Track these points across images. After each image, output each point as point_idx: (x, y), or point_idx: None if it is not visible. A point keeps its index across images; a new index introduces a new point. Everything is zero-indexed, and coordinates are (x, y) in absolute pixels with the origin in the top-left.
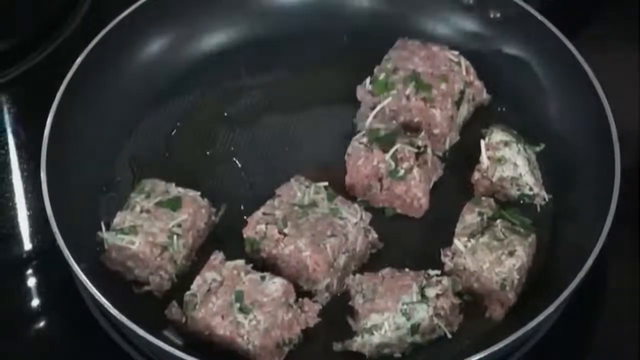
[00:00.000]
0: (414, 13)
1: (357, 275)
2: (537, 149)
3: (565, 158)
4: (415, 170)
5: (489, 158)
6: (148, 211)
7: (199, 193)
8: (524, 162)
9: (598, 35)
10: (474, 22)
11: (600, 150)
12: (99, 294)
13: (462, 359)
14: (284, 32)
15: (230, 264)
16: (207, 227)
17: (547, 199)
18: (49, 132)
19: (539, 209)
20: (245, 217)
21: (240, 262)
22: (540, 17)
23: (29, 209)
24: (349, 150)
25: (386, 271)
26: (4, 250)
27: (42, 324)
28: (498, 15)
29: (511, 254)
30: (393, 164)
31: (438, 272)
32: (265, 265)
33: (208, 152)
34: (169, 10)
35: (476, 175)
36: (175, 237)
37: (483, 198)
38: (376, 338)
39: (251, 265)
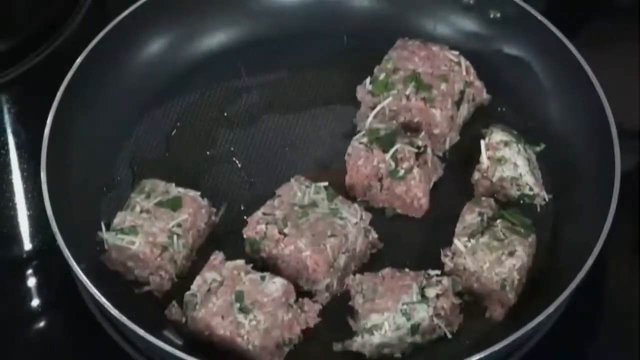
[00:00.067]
0: (414, 13)
1: (357, 275)
2: (537, 149)
3: (565, 158)
4: (415, 170)
5: (489, 158)
6: (148, 211)
7: (199, 193)
8: (524, 162)
9: (598, 35)
10: (474, 22)
11: (600, 150)
12: (99, 294)
13: (462, 359)
14: (284, 32)
15: (230, 264)
16: (207, 227)
17: (547, 199)
18: (49, 132)
19: (539, 209)
20: (245, 217)
21: (240, 262)
22: (540, 17)
23: (29, 209)
24: (349, 150)
25: (386, 271)
26: (4, 250)
27: (42, 324)
28: (498, 15)
29: (511, 254)
30: (393, 164)
31: (438, 272)
32: (265, 265)
33: (208, 152)
34: (169, 10)
35: (476, 175)
36: (175, 237)
37: (483, 198)
38: (376, 338)
39: (251, 265)
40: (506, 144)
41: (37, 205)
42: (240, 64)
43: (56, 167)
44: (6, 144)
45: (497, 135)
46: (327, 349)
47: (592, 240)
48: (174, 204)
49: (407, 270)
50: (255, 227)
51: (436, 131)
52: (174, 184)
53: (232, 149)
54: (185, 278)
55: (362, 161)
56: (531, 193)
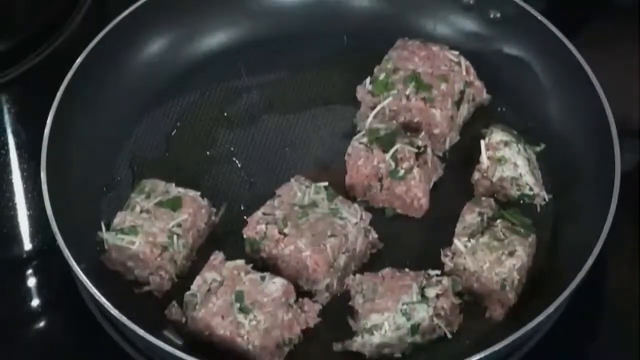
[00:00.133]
0: (414, 13)
1: (357, 275)
2: (537, 149)
3: (565, 158)
4: (415, 170)
5: (489, 158)
6: (148, 211)
7: (199, 193)
8: (524, 162)
9: (598, 35)
10: (474, 22)
11: (600, 150)
12: (99, 294)
13: (462, 359)
14: (284, 32)
15: (230, 264)
16: (207, 227)
17: (547, 199)
18: (49, 132)
19: (539, 209)
20: (245, 217)
21: (240, 262)
22: (540, 17)
23: (29, 209)
24: (349, 150)
25: (386, 271)
26: (4, 250)
27: (42, 324)
28: (498, 15)
29: (511, 254)
30: (393, 164)
31: (438, 272)
32: (265, 265)
33: (208, 152)
34: (169, 10)
35: (476, 175)
36: (175, 237)
37: (483, 198)
38: (376, 338)
39: (251, 265)
40: (506, 144)
41: (37, 205)
42: (240, 64)
43: (56, 167)
44: (6, 144)
45: (497, 135)
46: (327, 349)
47: (592, 240)
48: (174, 204)
49: (407, 270)
50: (255, 227)
51: (436, 131)
52: (174, 184)
53: (232, 149)
54: (185, 278)
55: (362, 161)
56: (531, 193)
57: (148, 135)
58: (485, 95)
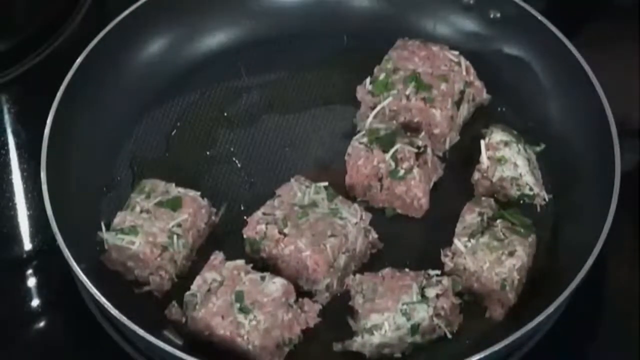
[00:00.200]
0: (414, 13)
1: (357, 275)
2: (537, 149)
3: (565, 158)
4: (415, 170)
5: (489, 158)
6: (148, 211)
7: (199, 193)
8: (524, 162)
9: (598, 35)
10: (474, 22)
11: (600, 150)
12: (99, 294)
13: (462, 359)
14: (284, 32)
15: (230, 264)
16: (207, 227)
17: (547, 199)
18: (49, 132)
19: (539, 209)
20: (245, 217)
21: (240, 262)
22: (540, 17)
23: (29, 209)
24: (349, 150)
25: (386, 271)
26: (4, 250)
27: (42, 324)
28: (498, 15)
29: (511, 254)
30: (393, 164)
31: (438, 272)
32: (265, 265)
33: (208, 152)
34: (169, 10)
35: (476, 175)
36: (175, 237)
37: (483, 198)
38: (376, 338)
39: (251, 265)
40: (506, 144)
41: (37, 205)
42: (240, 64)
43: (56, 167)
44: (6, 144)
45: (497, 135)
46: (327, 349)
47: (592, 240)
48: (174, 204)
49: (407, 270)
50: (255, 227)
51: (436, 131)
52: (174, 184)
53: (232, 149)
54: (185, 278)
55: (362, 161)
56: (531, 193)
57: (148, 135)
58: (485, 95)
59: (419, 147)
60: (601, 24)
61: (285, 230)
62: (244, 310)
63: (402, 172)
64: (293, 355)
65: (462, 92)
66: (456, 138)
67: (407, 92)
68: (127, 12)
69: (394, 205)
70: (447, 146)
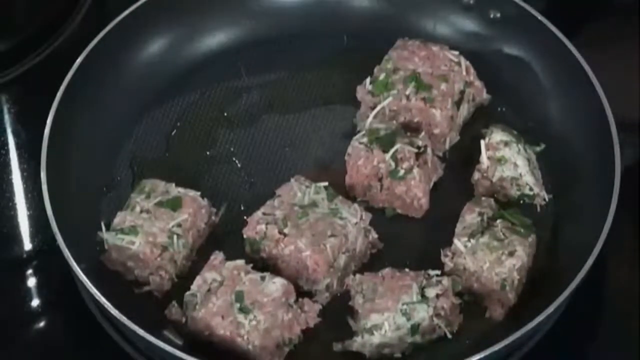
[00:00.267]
0: (414, 13)
1: (357, 275)
2: (537, 149)
3: (565, 158)
4: (415, 170)
5: (489, 158)
6: (148, 211)
7: (199, 193)
8: (524, 162)
9: (598, 35)
10: (474, 22)
11: (600, 150)
12: (99, 294)
13: (462, 359)
14: (284, 32)
15: (230, 264)
16: (207, 227)
17: (547, 199)
18: (49, 132)
19: (539, 209)
20: (245, 217)
21: (240, 262)
22: (540, 17)
23: (29, 209)
24: (349, 150)
25: (386, 271)
26: (4, 250)
27: (42, 324)
28: (498, 15)
29: (511, 254)
30: (393, 164)
31: (438, 272)
32: (265, 265)
33: (208, 152)
34: (169, 10)
35: (476, 175)
36: (175, 237)
37: (483, 198)
38: (376, 338)
39: (251, 265)
40: (506, 144)
41: (37, 205)
42: (240, 64)
43: (56, 167)
44: (6, 144)
45: (497, 135)
46: (327, 349)
47: (592, 240)
48: (174, 204)
49: (407, 270)
50: (255, 227)
51: (436, 131)
52: (174, 184)
53: (232, 149)
54: (185, 278)
55: (362, 161)
56: (531, 193)
57: (148, 135)
58: (485, 95)
59: (419, 147)
60: (601, 24)
61: (285, 230)
62: (244, 310)
63: (402, 172)
64: (293, 355)
65: (462, 92)
66: (456, 138)
67: (407, 92)
68: (127, 12)
69: (394, 205)
70: (447, 146)
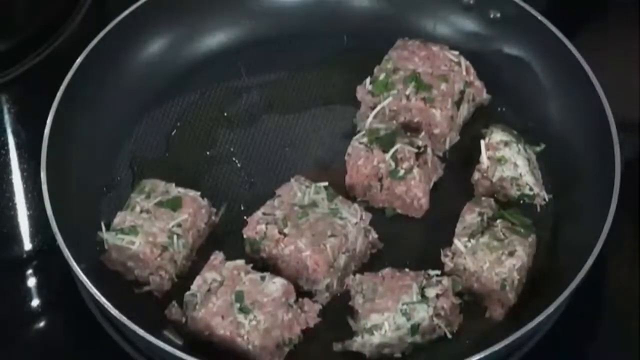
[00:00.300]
0: (414, 13)
1: (357, 275)
2: (537, 149)
3: (565, 158)
4: (415, 170)
5: (489, 158)
6: (148, 211)
7: (199, 193)
8: (524, 162)
9: (598, 35)
10: (474, 22)
11: (600, 150)
12: (99, 294)
13: (462, 359)
14: (284, 32)
15: (230, 264)
16: (207, 227)
17: (547, 199)
18: (49, 132)
19: (539, 209)
20: (245, 217)
21: (240, 262)
22: (540, 17)
23: (29, 209)
24: (349, 150)
25: (386, 271)
26: (4, 250)
27: (42, 324)
28: (498, 15)
29: (511, 254)
30: (393, 164)
31: (438, 272)
32: (265, 265)
33: (208, 152)
34: (169, 10)
35: (476, 175)
36: (175, 237)
37: (483, 198)
38: (376, 338)
39: (251, 265)
40: (506, 144)
41: (37, 205)
42: (240, 64)
43: (56, 167)
44: (6, 144)
45: (497, 135)
46: (327, 349)
47: (592, 240)
48: (174, 204)
49: (407, 270)
50: (255, 227)
51: (436, 131)
52: (174, 184)
53: (232, 149)
54: (185, 278)
55: (362, 161)
56: (531, 193)
57: (148, 135)
58: (485, 95)
59: (419, 147)
60: (601, 24)
61: (285, 230)
62: (244, 310)
63: (402, 172)
64: (293, 355)
65: (462, 92)
66: (456, 138)
67: (407, 92)
68: (127, 12)
69: (394, 205)
70: (447, 146)
